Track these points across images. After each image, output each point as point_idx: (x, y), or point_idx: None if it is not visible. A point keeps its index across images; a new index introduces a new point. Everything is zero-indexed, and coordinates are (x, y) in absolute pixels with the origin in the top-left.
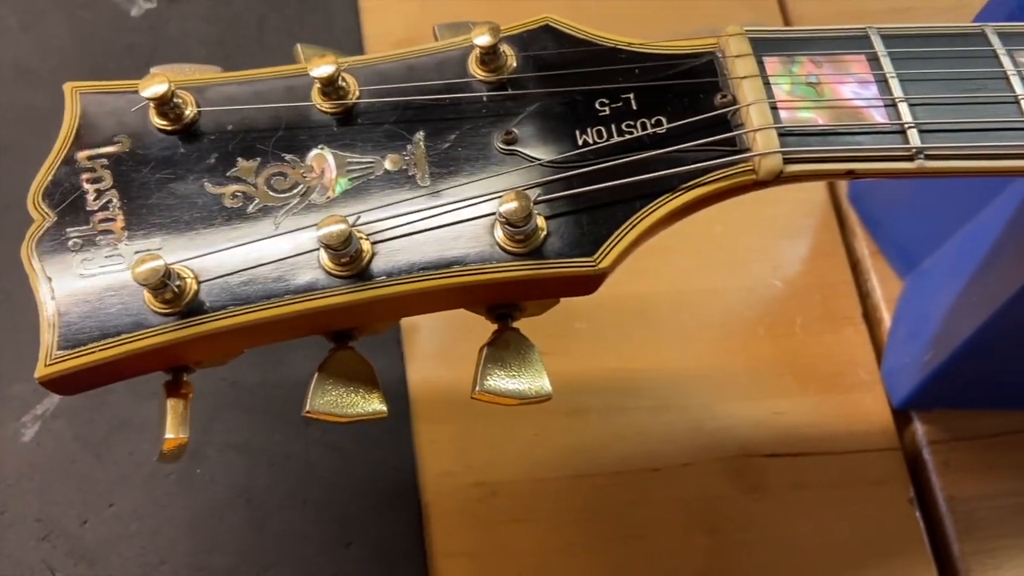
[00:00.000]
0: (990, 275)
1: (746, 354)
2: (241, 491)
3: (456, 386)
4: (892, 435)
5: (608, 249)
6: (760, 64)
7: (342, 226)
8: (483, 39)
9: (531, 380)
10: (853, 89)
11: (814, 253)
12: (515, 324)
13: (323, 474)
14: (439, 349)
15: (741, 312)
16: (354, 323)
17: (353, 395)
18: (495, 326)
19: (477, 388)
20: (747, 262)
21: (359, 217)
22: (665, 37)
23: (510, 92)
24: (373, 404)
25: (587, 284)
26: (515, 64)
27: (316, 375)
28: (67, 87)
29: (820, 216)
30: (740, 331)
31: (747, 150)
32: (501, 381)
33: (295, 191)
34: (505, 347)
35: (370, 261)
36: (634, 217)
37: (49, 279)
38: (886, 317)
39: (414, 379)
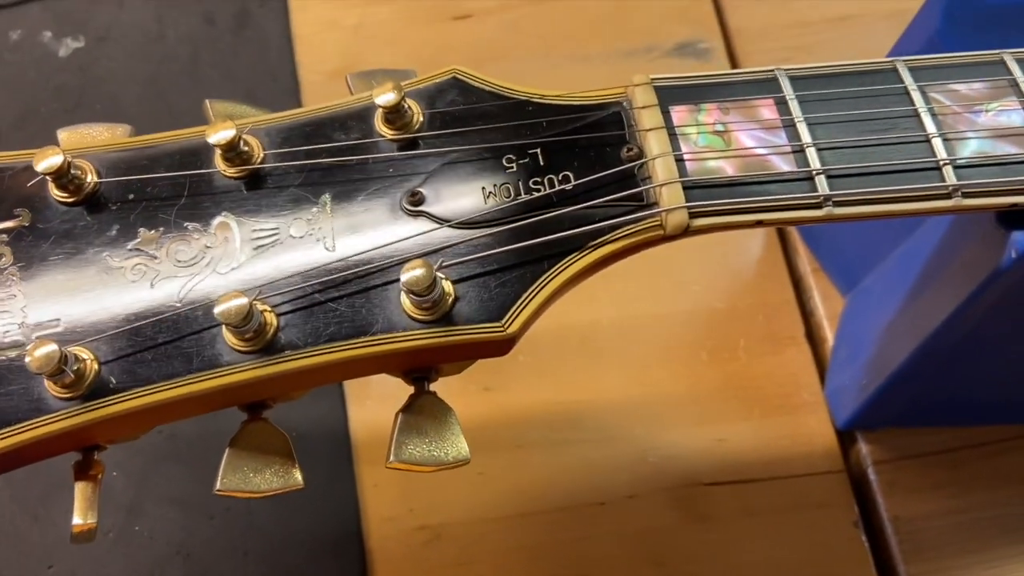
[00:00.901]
0: (919, 301)
1: (689, 380)
2: (180, 546)
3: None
4: (837, 457)
5: (516, 314)
6: (666, 115)
7: (241, 301)
8: (385, 98)
9: (448, 446)
10: (760, 136)
11: (756, 273)
12: (432, 385)
13: (264, 524)
14: (381, 389)
15: (684, 336)
16: (265, 395)
17: (267, 469)
18: (411, 388)
19: (391, 458)
20: (688, 284)
21: (260, 291)
22: (602, 50)
23: (416, 151)
24: (288, 478)
25: (498, 348)
26: (421, 120)
27: (227, 451)
28: None
29: (761, 234)
30: (683, 356)
31: (654, 204)
32: (416, 450)
33: (199, 262)
34: (420, 412)
35: (275, 333)
36: (542, 279)
37: None
38: (829, 336)
39: (355, 420)
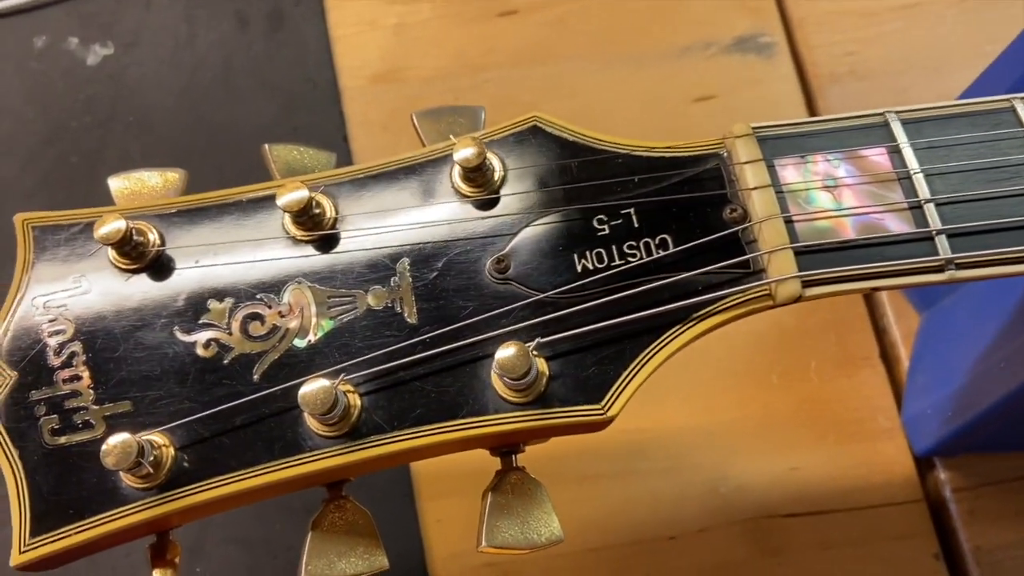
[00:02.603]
0: (1019, 340)
1: (759, 404)
2: None
3: (460, 458)
4: (915, 486)
5: (617, 393)
6: (772, 171)
7: (325, 387)
8: (464, 155)
9: (541, 526)
10: (874, 191)
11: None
12: (520, 456)
13: None
14: None
15: (751, 358)
16: (350, 475)
17: (351, 553)
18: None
19: (483, 543)
20: None
21: (344, 373)
22: (655, 48)
23: (499, 211)
24: (374, 560)
25: (595, 427)
26: (503, 176)
27: (310, 534)
28: (18, 220)
29: None
30: (751, 380)
31: (762, 271)
32: (508, 532)
33: (273, 337)
34: (510, 492)
35: (360, 416)
36: (642, 355)
37: (16, 451)
38: (904, 356)
39: None
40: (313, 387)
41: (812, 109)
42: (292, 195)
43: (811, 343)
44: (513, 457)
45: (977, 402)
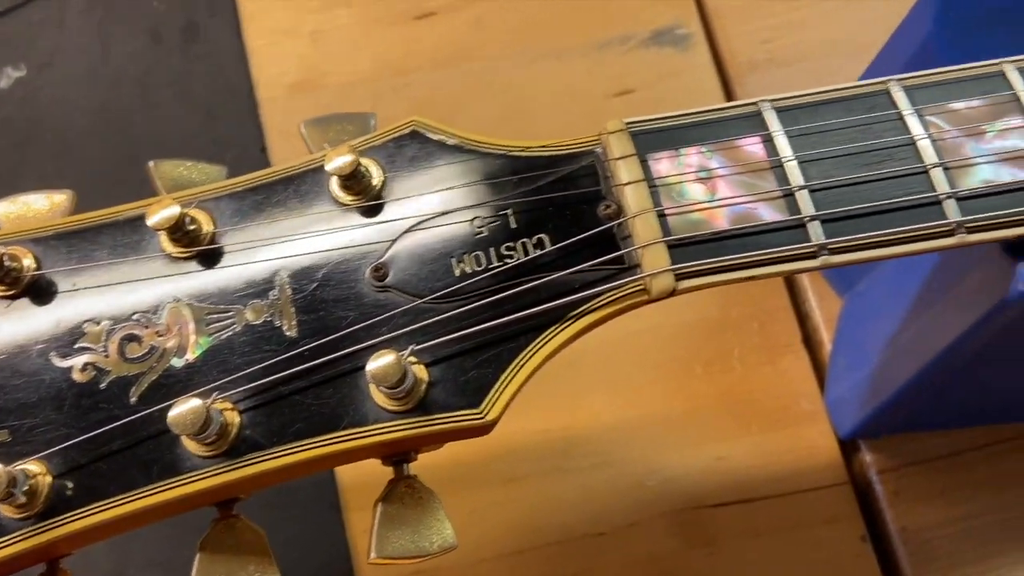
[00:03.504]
0: (923, 320)
1: (684, 396)
2: None
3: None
4: (840, 469)
5: (496, 396)
6: (645, 165)
7: (195, 407)
8: (336, 165)
9: (433, 534)
10: (747, 181)
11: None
12: (412, 465)
13: None
14: None
15: (676, 351)
16: (235, 494)
17: (242, 572)
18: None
19: (373, 554)
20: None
21: (218, 391)
22: (575, 43)
23: (378, 217)
24: None
25: (479, 431)
26: (382, 183)
27: (198, 555)
28: None
29: None
30: (676, 372)
31: (636, 266)
32: (399, 542)
33: (150, 358)
34: (401, 501)
35: (239, 434)
36: (520, 357)
37: None
38: (827, 340)
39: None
40: (182, 408)
41: (731, 98)
42: (161, 213)
43: (734, 332)
44: (405, 466)
45: (890, 382)
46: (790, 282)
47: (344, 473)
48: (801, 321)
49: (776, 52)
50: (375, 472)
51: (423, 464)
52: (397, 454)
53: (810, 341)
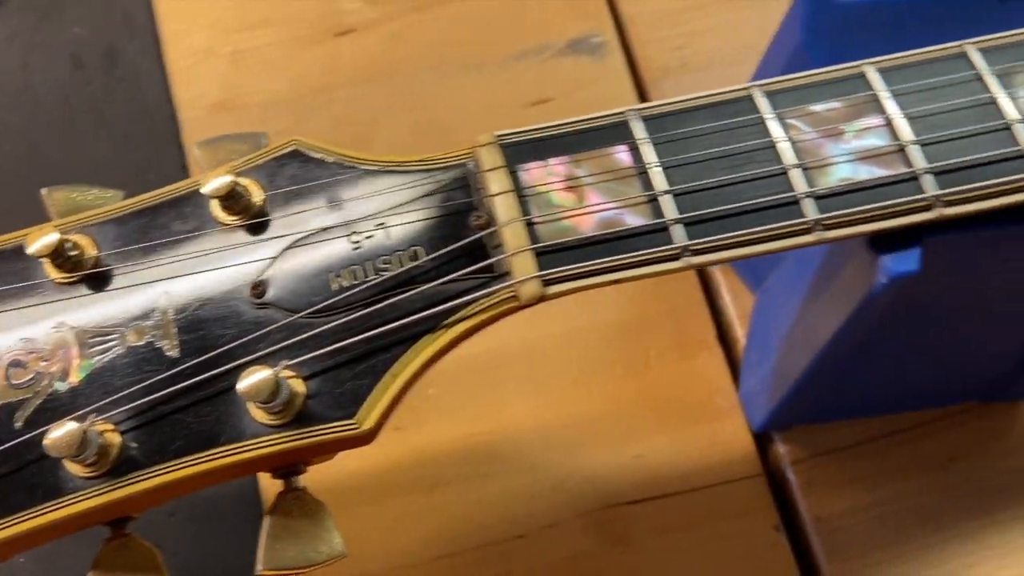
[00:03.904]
0: (811, 312)
1: (604, 397)
2: None
3: (312, 477)
4: (754, 461)
5: (371, 407)
6: (514, 176)
7: (70, 431)
8: (212, 187)
9: (321, 544)
10: (614, 188)
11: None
12: (302, 477)
13: None
14: None
15: (595, 353)
16: (124, 514)
17: None
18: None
19: (260, 566)
20: (594, 297)
21: (97, 413)
22: (494, 55)
23: (259, 236)
24: None
25: (359, 441)
26: (263, 202)
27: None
28: None
29: None
30: (596, 373)
31: (506, 274)
32: (288, 553)
33: (35, 383)
34: (289, 513)
35: (120, 454)
36: (395, 367)
37: None
38: (741, 336)
39: (264, 475)
40: (57, 432)
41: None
42: (40, 241)
43: (650, 331)
44: (293, 478)
45: (789, 375)
46: (704, 280)
47: (267, 482)
48: (716, 318)
49: (689, 58)
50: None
51: (344, 474)
52: (284, 467)
53: (725, 337)
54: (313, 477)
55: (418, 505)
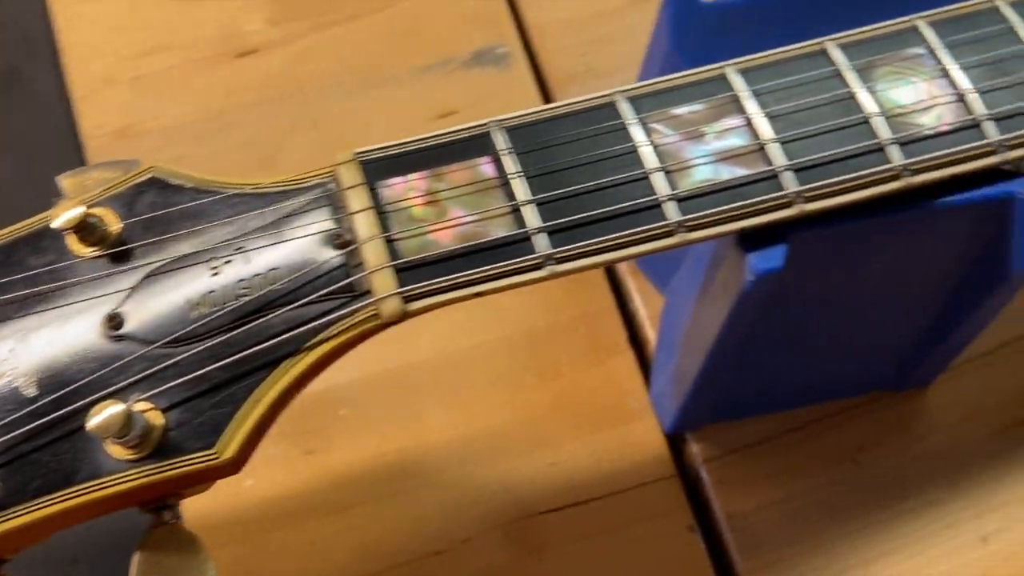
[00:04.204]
0: (701, 311)
1: (517, 407)
2: None
3: (226, 505)
4: (667, 462)
5: (231, 435)
6: (374, 193)
7: None
8: (61, 220)
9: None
10: (477, 200)
11: (574, 282)
12: (173, 511)
13: None
14: None
15: (506, 363)
16: None
17: None
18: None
19: None
20: (505, 307)
21: None
22: (399, 70)
23: (116, 267)
24: None
25: (223, 471)
26: (120, 231)
27: None
28: None
29: None
30: (508, 384)
31: (367, 292)
32: None
33: None
34: (159, 548)
35: None
36: (255, 393)
37: None
38: (652, 337)
39: (188, 504)
40: None
41: None
42: None
43: (562, 339)
44: (164, 512)
45: (688, 374)
46: (615, 283)
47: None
48: (627, 321)
49: (594, 64)
50: (221, 511)
51: (256, 501)
52: (153, 501)
53: (638, 340)
54: (223, 506)
55: (333, 528)
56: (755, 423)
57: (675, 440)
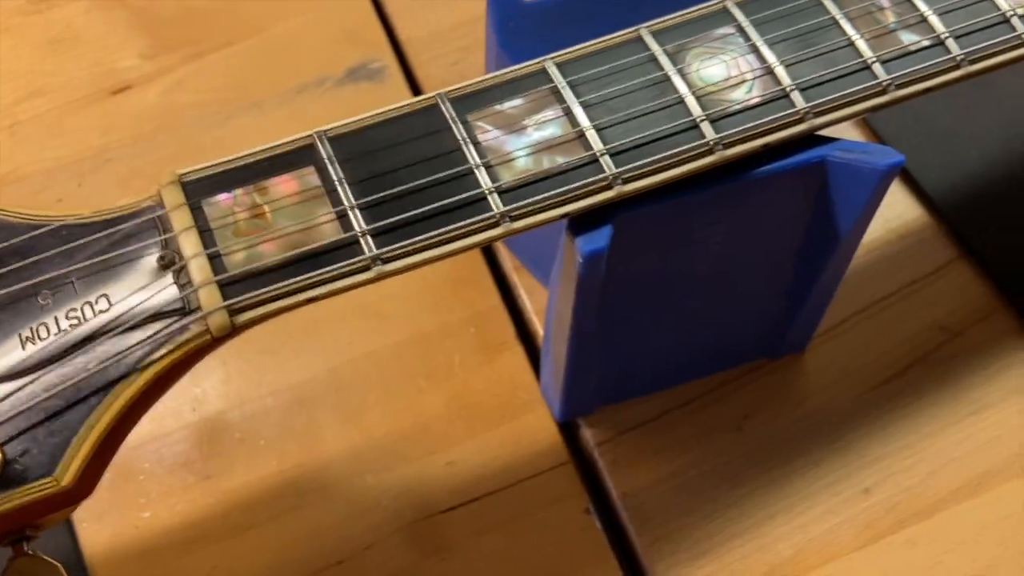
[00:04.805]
0: (559, 297)
1: (411, 412)
2: None
3: (125, 538)
4: (560, 450)
5: (68, 462)
6: (197, 211)
7: None
8: None
9: None
10: (304, 210)
11: (460, 283)
12: (33, 544)
13: None
14: (111, 503)
15: (398, 369)
16: None
17: None
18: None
19: None
20: (393, 314)
21: None
22: (274, 93)
23: None
24: None
25: (67, 499)
26: None
27: None
28: None
29: None
30: (401, 390)
31: (197, 309)
32: None
33: None
34: None
35: None
36: (90, 418)
37: None
38: (540, 331)
39: (90, 543)
40: None
41: None
42: None
43: (452, 340)
44: (23, 544)
45: (561, 360)
46: (500, 282)
47: (93, 550)
48: (516, 317)
49: (466, 71)
50: (126, 545)
51: (155, 530)
52: (7, 535)
53: (526, 335)
54: (122, 540)
55: (235, 551)
56: (644, 403)
57: (569, 427)
